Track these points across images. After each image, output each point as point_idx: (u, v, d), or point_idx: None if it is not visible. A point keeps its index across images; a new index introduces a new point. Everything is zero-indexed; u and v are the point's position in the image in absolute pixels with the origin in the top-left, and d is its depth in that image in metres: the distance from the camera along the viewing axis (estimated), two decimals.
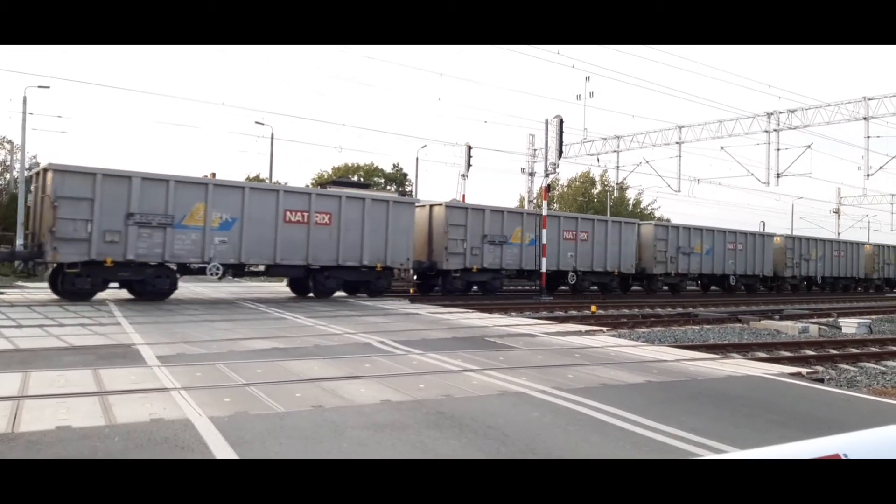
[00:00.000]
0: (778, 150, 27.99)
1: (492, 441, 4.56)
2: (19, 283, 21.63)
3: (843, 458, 1.49)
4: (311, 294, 18.65)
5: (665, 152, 31.99)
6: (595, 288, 26.19)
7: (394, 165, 60.31)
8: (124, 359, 7.64)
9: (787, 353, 12.58)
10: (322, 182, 48.92)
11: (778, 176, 28.23)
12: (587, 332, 12.07)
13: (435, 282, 22.42)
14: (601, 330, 12.79)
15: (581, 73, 60.01)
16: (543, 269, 23.26)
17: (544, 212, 23.83)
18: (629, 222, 27.70)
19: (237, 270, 17.48)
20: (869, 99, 25.15)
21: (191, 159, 79.85)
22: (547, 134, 25.59)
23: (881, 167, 27.09)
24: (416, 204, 21.72)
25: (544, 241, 23.34)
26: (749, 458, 1.46)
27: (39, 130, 55.63)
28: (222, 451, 4.14)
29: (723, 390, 6.79)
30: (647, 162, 32.84)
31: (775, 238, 33.92)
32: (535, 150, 33.04)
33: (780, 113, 27.53)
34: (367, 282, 19.45)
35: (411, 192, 49.85)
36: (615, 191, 46.16)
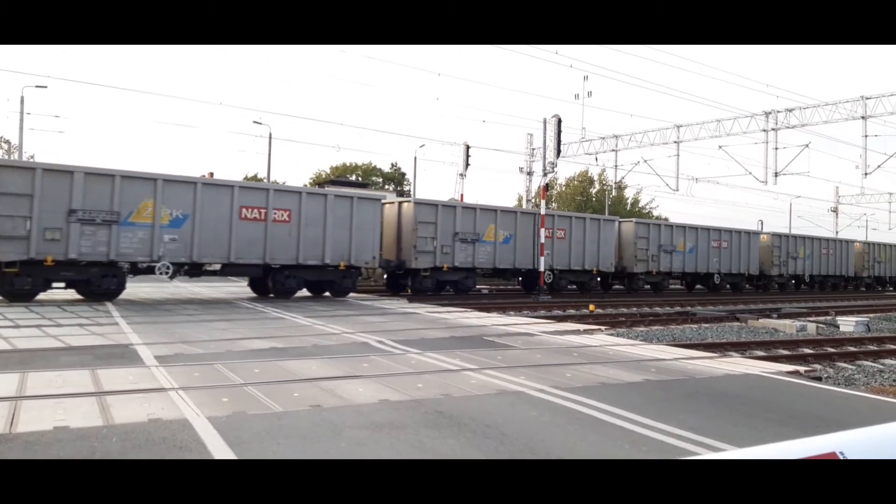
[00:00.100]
0: (776, 148, 28.06)
1: (490, 440, 4.56)
2: None
3: (840, 455, 1.49)
4: (272, 294, 18.01)
5: (663, 151, 31.95)
6: (573, 287, 25.75)
7: (392, 165, 60.27)
8: (122, 359, 7.63)
9: (786, 352, 12.60)
10: (320, 181, 48.86)
11: (776, 175, 28.29)
12: (585, 331, 12.08)
13: (404, 281, 21.74)
14: (599, 329, 12.79)
15: (579, 73, 59.96)
16: (542, 269, 23.27)
17: (542, 211, 23.85)
18: (608, 220, 27.25)
19: (194, 270, 16.78)
20: (867, 98, 25.20)
21: (189, 159, 79.84)
22: (545, 133, 25.61)
23: (879, 166, 27.16)
24: (384, 200, 20.92)
25: (542, 240, 23.33)
26: (746, 457, 1.46)
27: (37, 130, 55.61)
28: (220, 450, 4.14)
29: (721, 389, 6.80)
30: (646, 161, 32.90)
31: (761, 236, 33.32)
32: (534, 149, 33.05)
33: (778, 112, 27.57)
34: (331, 281, 18.81)
35: (409, 191, 49.83)
36: (613, 190, 46.16)
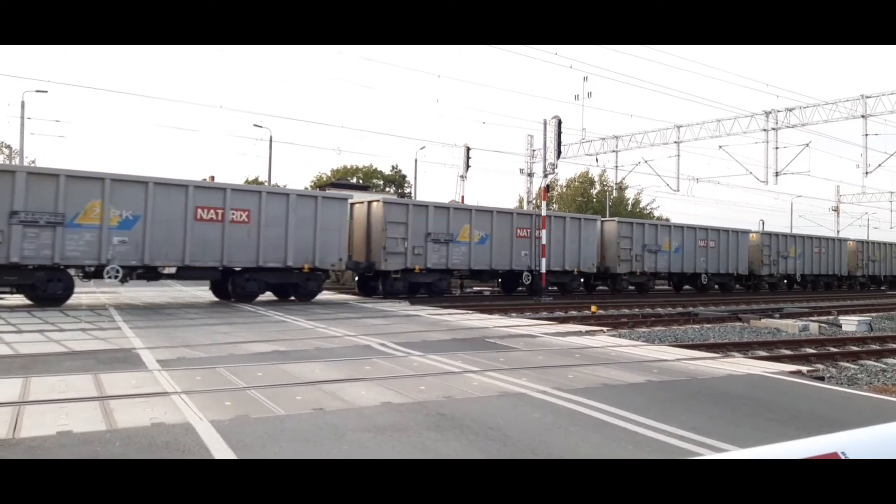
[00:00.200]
0: (776, 148, 28.07)
1: (493, 442, 4.56)
2: None
3: (842, 455, 1.49)
4: (232, 299, 17.35)
5: (664, 152, 31.98)
6: (555, 289, 24.88)
7: (393, 167, 60.40)
8: (125, 363, 7.64)
9: (788, 352, 12.58)
10: (321, 184, 48.93)
11: (777, 174, 28.29)
12: (587, 333, 12.07)
13: (375, 283, 21.00)
14: (601, 330, 12.79)
15: (579, 74, 60.08)
16: (543, 270, 23.23)
17: (544, 212, 23.84)
18: (590, 219, 26.39)
19: (149, 273, 16.07)
20: (867, 97, 25.21)
21: (190, 163, 79.95)
22: (545, 134, 25.62)
23: (880, 165, 27.17)
24: (351, 200, 20.20)
25: (543, 241, 23.29)
26: (748, 457, 1.47)
27: (38, 135, 55.73)
28: (223, 454, 4.14)
29: (723, 389, 6.79)
30: (646, 161, 32.95)
31: (751, 235, 32.41)
32: (534, 150, 33.07)
33: (779, 111, 27.58)
34: (296, 284, 18.17)
35: (410, 193, 49.87)
36: (614, 191, 46.16)
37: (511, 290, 24.65)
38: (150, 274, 16.25)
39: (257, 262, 17.09)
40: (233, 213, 16.69)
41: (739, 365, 8.53)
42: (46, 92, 33.00)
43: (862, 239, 41.97)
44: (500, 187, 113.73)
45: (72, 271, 15.39)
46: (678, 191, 31.72)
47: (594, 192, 57.61)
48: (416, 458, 4.19)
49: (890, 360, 11.98)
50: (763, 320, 17.59)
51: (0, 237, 13.96)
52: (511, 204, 50.79)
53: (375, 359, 8.32)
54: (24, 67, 71.78)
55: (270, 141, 35.82)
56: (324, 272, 18.77)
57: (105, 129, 74.76)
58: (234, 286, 17.21)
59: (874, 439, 1.64)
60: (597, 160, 34.25)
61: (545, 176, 26.34)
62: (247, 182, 43.38)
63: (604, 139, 32.90)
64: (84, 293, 19.93)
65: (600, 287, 28.05)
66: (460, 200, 31.31)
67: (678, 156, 30.79)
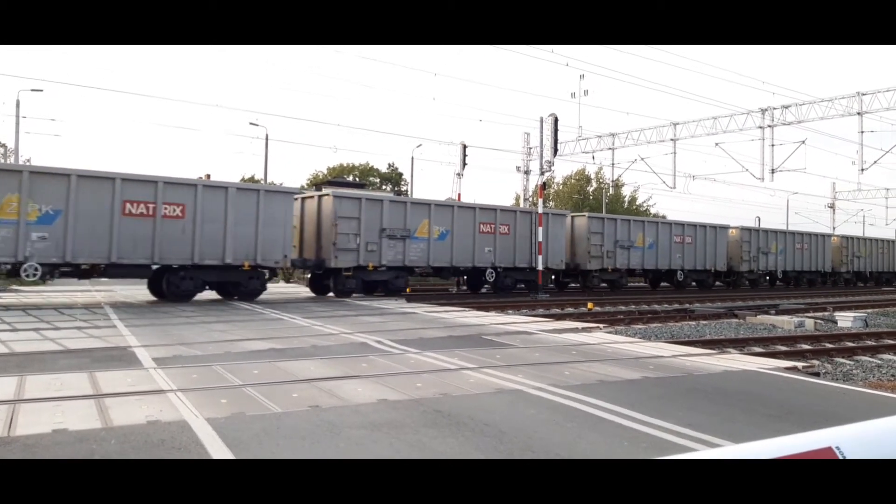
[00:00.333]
0: (772, 145, 28.16)
1: (489, 439, 4.56)
2: None
3: (836, 450, 1.50)
4: (168, 297, 16.57)
5: (660, 149, 31.91)
6: (522, 287, 23.84)
7: (389, 165, 60.24)
8: (120, 361, 7.62)
9: (783, 348, 12.62)
10: (317, 182, 48.84)
11: (772, 171, 28.37)
12: (584, 329, 12.09)
13: (327, 281, 20.04)
14: (598, 327, 12.81)
15: (575, 72, 60.03)
16: (540, 267, 23.27)
17: (540, 209, 23.86)
18: (558, 214, 25.56)
19: (75, 271, 15.28)
20: (862, 94, 25.28)
21: (186, 161, 79.73)
22: (542, 132, 25.64)
23: (875, 162, 27.24)
24: (301, 194, 19.36)
25: (540, 238, 23.31)
26: (741, 454, 1.47)
27: (33, 134, 55.50)
28: (219, 452, 4.13)
29: (719, 385, 6.81)
30: (643, 159, 32.99)
31: (730, 230, 31.58)
32: (531, 148, 33.07)
33: (775, 109, 27.65)
34: (237, 283, 17.36)
35: (407, 191, 49.80)
36: (610, 188, 46.23)
37: (476, 287, 23.87)
38: (77, 272, 15.52)
39: (193, 260, 16.27)
40: (165, 208, 15.82)
41: (735, 361, 8.55)
42: (42, 91, 32.90)
43: (847, 234, 41.21)
44: (497, 185, 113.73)
45: None
46: (675, 188, 31.84)
47: (590, 189, 57.64)
48: (413, 455, 4.19)
49: (885, 356, 12.03)
50: (759, 317, 17.67)
51: None
52: (508, 201, 50.77)
53: (372, 356, 8.31)
54: (20, 66, 71.63)
55: (266, 139, 35.84)
56: (268, 270, 18.07)
57: (102, 128, 74.65)
58: (169, 284, 16.42)
59: (869, 434, 1.64)
60: (593, 158, 34.32)
61: (542, 173, 26.33)
62: (243, 180, 43.29)
63: (600, 137, 32.95)
64: (81, 292, 19.92)
65: (572, 284, 27.25)
66: (457, 198, 31.31)
67: (674, 153, 30.88)
